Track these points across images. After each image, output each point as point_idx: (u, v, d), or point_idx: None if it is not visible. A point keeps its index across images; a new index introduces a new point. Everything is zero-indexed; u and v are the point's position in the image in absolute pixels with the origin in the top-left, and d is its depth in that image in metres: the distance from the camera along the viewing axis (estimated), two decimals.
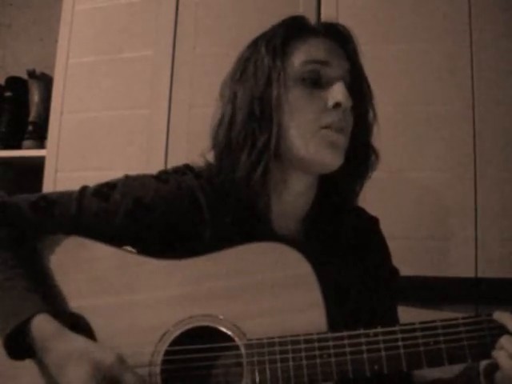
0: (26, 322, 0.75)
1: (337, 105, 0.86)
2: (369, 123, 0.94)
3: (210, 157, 0.94)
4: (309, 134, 0.86)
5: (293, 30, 0.91)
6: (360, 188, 0.96)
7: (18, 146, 1.87)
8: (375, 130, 0.95)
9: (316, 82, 0.87)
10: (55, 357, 0.73)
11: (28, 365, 0.79)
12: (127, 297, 0.82)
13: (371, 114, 0.94)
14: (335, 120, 0.86)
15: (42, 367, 0.77)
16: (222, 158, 0.90)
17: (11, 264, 0.81)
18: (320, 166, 0.88)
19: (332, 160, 0.87)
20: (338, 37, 0.92)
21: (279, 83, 0.86)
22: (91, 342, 0.76)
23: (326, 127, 0.86)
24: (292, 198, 0.93)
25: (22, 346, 0.76)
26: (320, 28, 0.92)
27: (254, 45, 0.92)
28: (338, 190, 0.95)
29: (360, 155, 0.93)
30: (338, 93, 0.86)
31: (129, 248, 0.91)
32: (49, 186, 1.66)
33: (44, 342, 0.74)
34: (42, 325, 0.75)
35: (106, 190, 0.89)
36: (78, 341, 0.75)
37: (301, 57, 0.88)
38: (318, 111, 0.86)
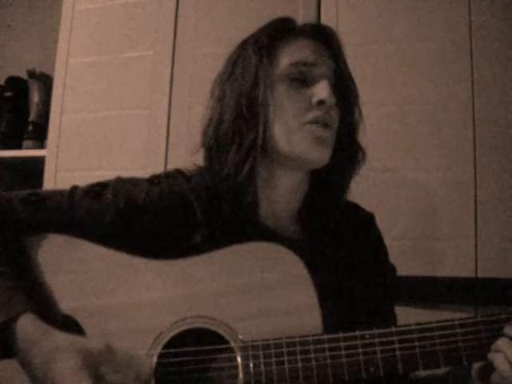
0: (11, 322, 0.74)
1: (321, 102, 0.88)
2: (355, 121, 0.96)
3: (199, 158, 0.96)
4: (293, 130, 0.88)
5: (279, 30, 0.93)
6: (348, 184, 0.98)
7: (18, 146, 1.87)
8: (362, 128, 0.97)
9: (302, 81, 0.90)
10: (40, 355, 0.72)
11: (11, 365, 0.76)
12: (119, 298, 0.82)
13: (357, 112, 0.96)
14: (319, 116, 0.88)
15: (25, 369, 0.75)
16: (211, 156, 0.92)
17: None
18: (307, 161, 0.90)
19: (319, 155, 0.89)
20: (324, 37, 0.94)
21: (265, 82, 0.88)
22: (76, 336, 0.75)
23: (311, 122, 0.88)
24: (282, 194, 0.94)
25: (5, 347, 0.75)
26: (306, 29, 0.94)
27: (243, 46, 0.94)
28: (327, 186, 0.97)
29: (347, 153, 0.95)
30: (322, 90, 0.88)
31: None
32: (49, 186, 1.66)
33: (29, 342, 0.73)
34: (27, 325, 0.74)
35: (97, 188, 0.89)
36: (63, 337, 0.74)
37: (288, 58, 0.90)
38: (302, 108, 0.88)
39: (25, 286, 0.79)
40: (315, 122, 0.88)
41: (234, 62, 0.93)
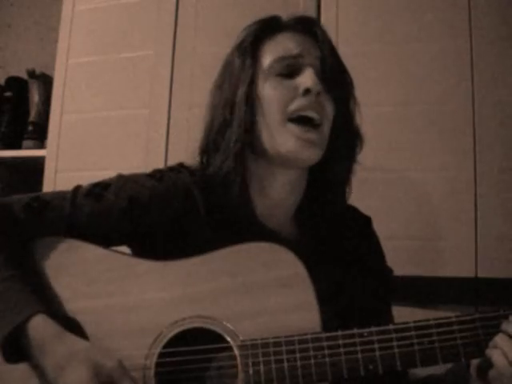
0: (24, 324, 0.74)
1: (307, 91, 0.87)
2: (350, 108, 0.95)
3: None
4: (278, 127, 0.88)
5: (262, 30, 0.93)
6: (348, 176, 0.97)
7: (18, 146, 1.87)
8: (358, 116, 0.96)
9: (287, 75, 0.89)
10: (54, 358, 0.73)
11: (22, 368, 0.77)
12: (120, 299, 0.82)
13: (352, 99, 0.95)
14: (306, 105, 0.87)
15: (37, 370, 0.76)
16: (203, 159, 0.94)
17: (5, 265, 0.80)
18: (296, 160, 0.89)
19: (307, 154, 0.88)
20: (307, 28, 0.93)
21: (247, 81, 0.88)
22: (92, 345, 0.76)
23: (295, 119, 0.87)
24: (279, 192, 0.94)
25: (17, 349, 0.75)
26: (289, 23, 0.94)
27: (231, 51, 0.95)
28: (327, 179, 0.96)
29: (343, 140, 0.94)
30: (307, 79, 0.88)
31: (125, 247, 0.91)
32: (49, 185, 1.66)
33: (42, 344, 0.74)
34: (41, 326, 0.75)
35: (98, 190, 0.89)
36: (79, 343, 0.75)
37: (272, 54, 0.90)
38: (288, 99, 0.88)
39: (34, 288, 0.80)
40: (301, 115, 0.87)
41: (224, 68, 0.95)
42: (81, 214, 0.87)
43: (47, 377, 0.73)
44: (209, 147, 0.92)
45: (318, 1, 1.54)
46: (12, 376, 0.78)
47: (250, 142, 0.89)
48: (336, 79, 0.92)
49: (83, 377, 0.70)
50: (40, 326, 0.75)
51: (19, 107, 1.94)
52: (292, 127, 0.88)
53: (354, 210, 1.03)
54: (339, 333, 0.76)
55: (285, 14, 0.97)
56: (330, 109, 0.91)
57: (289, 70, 0.89)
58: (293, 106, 0.88)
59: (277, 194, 0.94)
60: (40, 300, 0.78)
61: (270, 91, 0.89)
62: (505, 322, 0.74)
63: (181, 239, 0.88)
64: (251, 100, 0.89)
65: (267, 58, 0.90)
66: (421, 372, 0.90)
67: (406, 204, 1.39)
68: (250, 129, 0.89)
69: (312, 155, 0.89)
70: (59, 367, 0.72)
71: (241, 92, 0.89)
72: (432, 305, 1.34)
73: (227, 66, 0.94)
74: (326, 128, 0.91)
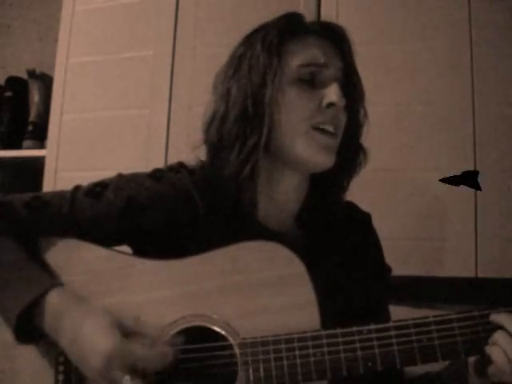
0: (41, 297, 0.75)
1: (331, 105, 0.87)
2: (359, 122, 0.96)
3: (201, 152, 0.95)
4: (300, 134, 0.87)
5: (289, 28, 0.91)
6: (348, 184, 0.98)
7: (18, 146, 1.87)
8: (366, 128, 0.97)
9: (310, 82, 0.89)
10: (73, 319, 0.74)
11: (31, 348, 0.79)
12: (120, 298, 0.82)
13: (362, 113, 0.95)
14: (328, 119, 0.88)
15: (48, 347, 0.78)
16: (213, 153, 0.92)
17: (15, 250, 0.81)
18: (311, 166, 0.90)
19: (324, 161, 0.89)
20: (334, 37, 0.92)
21: (274, 83, 0.87)
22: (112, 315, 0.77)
23: (318, 128, 0.87)
24: (284, 194, 0.94)
25: (30, 329, 0.76)
26: (316, 27, 0.93)
27: (248, 40, 0.92)
28: (328, 185, 0.96)
29: (350, 153, 0.95)
30: (332, 93, 0.87)
31: (125, 247, 0.91)
32: (49, 185, 1.66)
33: (61, 310, 0.75)
34: (59, 297, 0.76)
35: (98, 189, 0.89)
36: (96, 308, 0.77)
37: (298, 58, 0.89)
38: (312, 110, 0.88)
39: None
40: (321, 127, 0.87)
41: (240, 57, 0.90)
42: (80, 214, 0.87)
43: (65, 343, 0.74)
44: (222, 140, 0.89)
45: (318, 1, 1.54)
46: (20, 357, 0.79)
47: (268, 144, 0.88)
48: (354, 93, 0.93)
49: (103, 324, 0.73)
50: (59, 296, 0.76)
51: (19, 107, 1.94)
52: (315, 134, 0.87)
53: (354, 206, 1.03)
54: (338, 331, 0.76)
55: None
56: (343, 119, 0.91)
57: (311, 77, 0.88)
58: (317, 119, 0.87)
59: (282, 197, 0.94)
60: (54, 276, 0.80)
61: (293, 97, 0.88)
62: (499, 314, 0.74)
63: (180, 239, 0.88)
64: (277, 101, 0.87)
65: (292, 61, 0.89)
66: (418, 369, 0.90)
67: (406, 204, 1.39)
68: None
69: (327, 161, 0.89)
70: (78, 322, 0.74)
71: (269, 93, 0.86)
72: (432, 305, 1.34)
73: (245, 57, 0.89)
74: (339, 137, 0.91)
